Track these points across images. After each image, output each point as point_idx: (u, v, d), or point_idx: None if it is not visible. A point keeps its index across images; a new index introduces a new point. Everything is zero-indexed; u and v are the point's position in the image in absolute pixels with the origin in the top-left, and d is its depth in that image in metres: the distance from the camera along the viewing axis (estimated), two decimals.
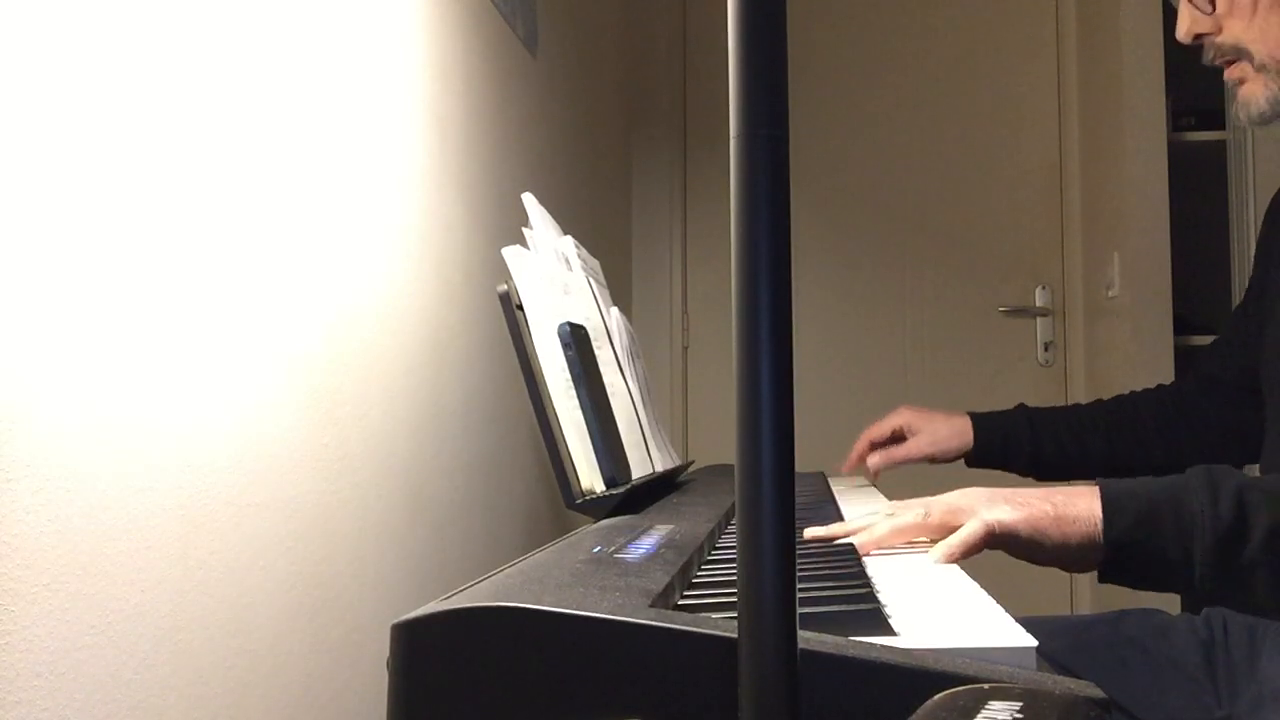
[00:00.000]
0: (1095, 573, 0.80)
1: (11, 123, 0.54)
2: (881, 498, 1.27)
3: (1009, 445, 1.34)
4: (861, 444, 1.42)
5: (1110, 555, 0.77)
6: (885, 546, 0.81)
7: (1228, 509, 0.75)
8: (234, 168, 0.75)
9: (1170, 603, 1.93)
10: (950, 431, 1.35)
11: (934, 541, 0.79)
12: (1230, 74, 1.01)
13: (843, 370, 2.70)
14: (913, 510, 0.82)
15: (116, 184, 0.62)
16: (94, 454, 0.59)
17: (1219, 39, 1.00)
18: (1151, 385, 1.41)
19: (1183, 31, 1.01)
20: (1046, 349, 2.66)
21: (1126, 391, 1.40)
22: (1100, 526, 0.77)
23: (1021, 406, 1.38)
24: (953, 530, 0.79)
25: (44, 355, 0.56)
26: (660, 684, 0.43)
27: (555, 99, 1.75)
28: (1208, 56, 1.02)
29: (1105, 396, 1.41)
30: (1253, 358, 1.16)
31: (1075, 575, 2.52)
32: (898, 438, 1.40)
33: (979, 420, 1.35)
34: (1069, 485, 0.84)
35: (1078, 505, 0.78)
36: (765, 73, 0.38)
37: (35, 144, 0.56)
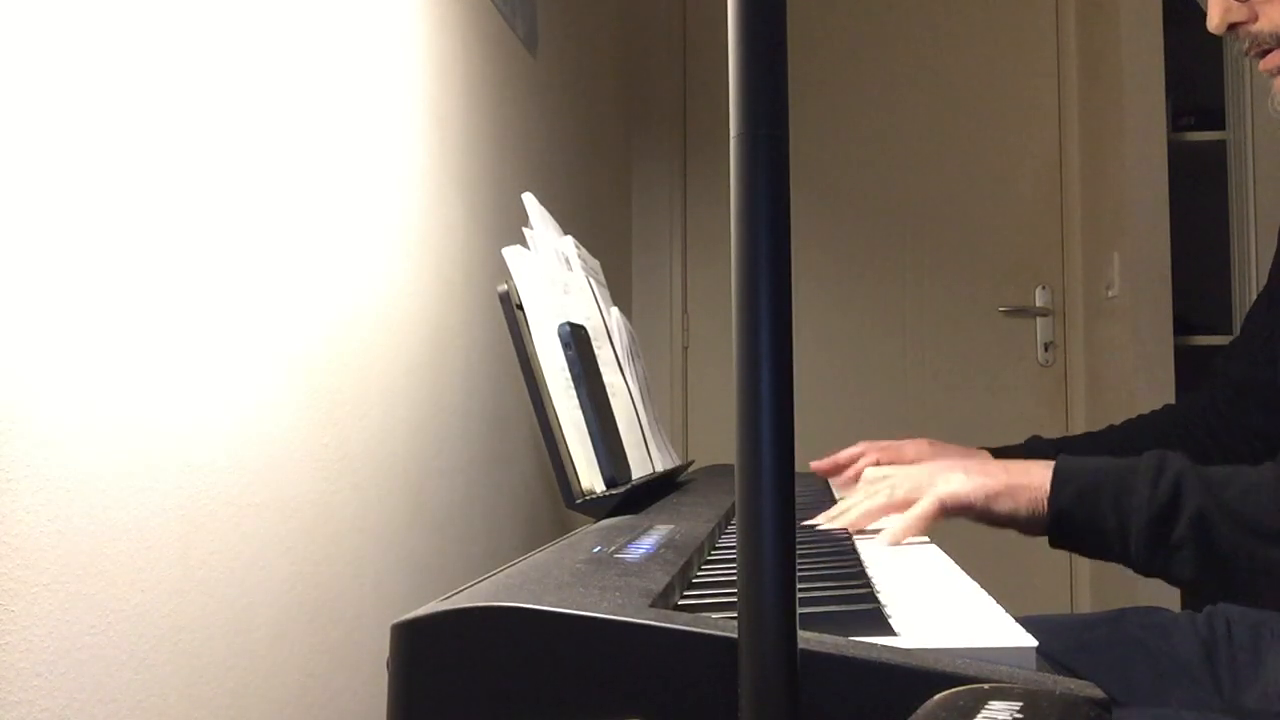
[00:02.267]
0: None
1: (12, 123, 0.54)
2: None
3: None
4: (867, 464, 1.28)
5: (1054, 523, 0.83)
6: (862, 527, 0.87)
7: (1165, 490, 0.80)
8: (234, 168, 0.75)
9: (1171, 600, 1.93)
10: None
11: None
12: (1267, 64, 0.97)
13: (843, 370, 2.70)
14: (880, 491, 0.89)
15: (116, 184, 0.62)
16: (94, 454, 0.59)
17: (1254, 27, 0.96)
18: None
19: (1215, 22, 0.98)
20: (1046, 349, 2.66)
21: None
22: (1046, 495, 0.83)
23: (1036, 438, 1.29)
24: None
25: (44, 356, 0.56)
26: (660, 684, 0.43)
27: (555, 99, 1.75)
28: (1242, 46, 0.98)
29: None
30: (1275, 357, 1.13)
31: (1075, 574, 2.52)
32: None
33: (1001, 455, 1.25)
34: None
35: (1031, 475, 0.84)
36: (765, 73, 0.38)
37: (36, 144, 0.56)
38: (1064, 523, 0.83)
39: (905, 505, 0.86)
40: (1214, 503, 0.78)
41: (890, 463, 1.28)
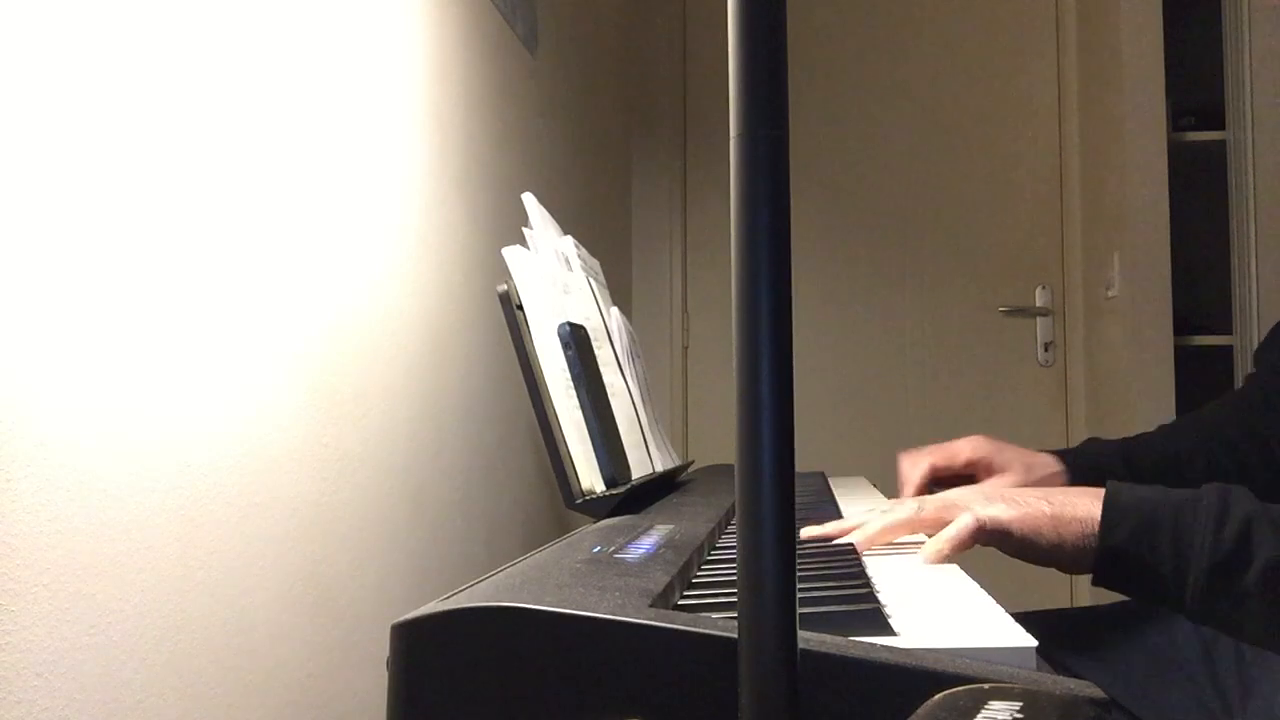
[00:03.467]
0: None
1: (12, 123, 0.54)
2: (881, 497, 1.27)
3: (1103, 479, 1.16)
4: (923, 472, 1.16)
5: (1103, 563, 0.75)
6: (879, 544, 0.80)
7: (1231, 536, 0.72)
8: (235, 168, 0.75)
9: None
10: (1045, 471, 1.14)
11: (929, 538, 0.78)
12: None
13: (843, 370, 2.70)
14: (906, 507, 0.81)
15: (116, 184, 0.62)
16: (94, 454, 0.59)
17: None
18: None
19: None
20: (1046, 349, 2.66)
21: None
22: (1097, 531, 0.75)
23: (1094, 440, 1.21)
24: (946, 526, 0.77)
25: (44, 355, 0.56)
26: (660, 684, 0.43)
27: (555, 99, 1.75)
28: None
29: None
30: None
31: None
32: (968, 473, 1.15)
33: (1066, 456, 1.16)
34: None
35: (1078, 506, 0.76)
36: (765, 73, 0.38)
37: (36, 144, 0.56)
38: (1114, 561, 0.75)
39: (935, 524, 0.78)
40: None
41: (945, 464, 1.16)
